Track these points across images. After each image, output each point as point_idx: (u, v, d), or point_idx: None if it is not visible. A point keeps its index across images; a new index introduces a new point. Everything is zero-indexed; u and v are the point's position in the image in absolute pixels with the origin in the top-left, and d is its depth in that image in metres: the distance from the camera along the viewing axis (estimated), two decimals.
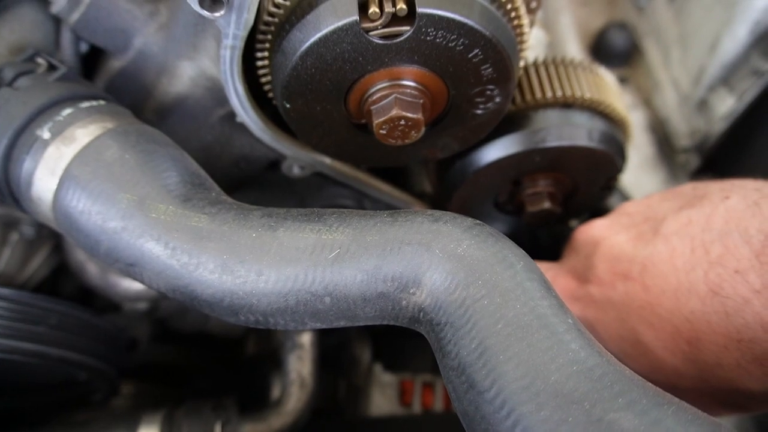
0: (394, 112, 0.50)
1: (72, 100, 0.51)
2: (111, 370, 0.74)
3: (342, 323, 0.47)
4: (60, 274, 0.85)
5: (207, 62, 0.56)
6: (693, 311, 0.51)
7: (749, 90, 0.89)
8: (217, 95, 0.60)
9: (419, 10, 0.44)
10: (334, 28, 0.45)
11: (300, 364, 0.78)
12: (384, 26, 0.46)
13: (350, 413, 1.03)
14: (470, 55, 0.49)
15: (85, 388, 0.76)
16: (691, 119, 1.00)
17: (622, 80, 1.13)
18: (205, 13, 0.45)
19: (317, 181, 0.76)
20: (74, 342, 0.67)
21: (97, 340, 0.71)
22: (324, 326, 0.47)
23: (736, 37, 0.88)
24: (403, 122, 0.51)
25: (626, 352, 0.57)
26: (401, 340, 1.13)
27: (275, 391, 0.96)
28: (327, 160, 0.65)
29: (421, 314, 0.44)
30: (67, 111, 0.49)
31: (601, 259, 0.59)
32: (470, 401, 0.38)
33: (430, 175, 0.76)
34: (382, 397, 1.05)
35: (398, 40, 0.47)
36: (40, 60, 0.54)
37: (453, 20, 0.45)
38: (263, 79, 0.56)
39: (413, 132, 0.53)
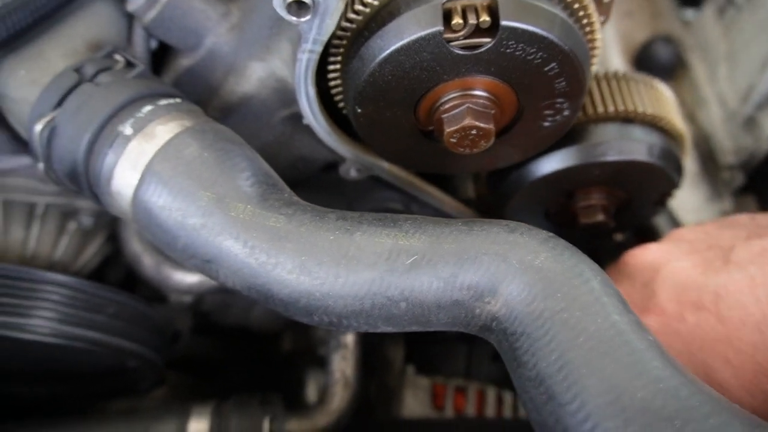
0: (467, 121, 0.51)
1: (151, 97, 0.52)
2: (160, 360, 0.75)
3: (414, 328, 0.48)
4: (106, 263, 0.86)
5: (278, 63, 0.57)
6: None
7: None
8: (283, 96, 0.60)
9: (503, 23, 0.45)
10: (417, 37, 0.46)
11: (344, 364, 0.79)
12: (465, 37, 0.46)
13: (381, 413, 1.04)
14: (546, 69, 0.49)
15: (133, 377, 0.77)
16: (738, 136, 0.99)
17: None
18: (291, 18, 0.45)
19: (367, 184, 0.76)
20: (130, 332, 0.69)
21: (149, 331, 0.72)
22: (395, 330, 0.48)
23: None
24: (474, 132, 0.52)
25: None
26: (434, 344, 1.14)
27: (310, 389, 0.97)
28: (386, 164, 0.66)
29: (494, 323, 0.45)
30: (147, 108, 0.51)
31: (663, 287, 0.56)
32: (550, 413, 0.39)
33: (480, 183, 0.77)
34: (414, 399, 1.05)
35: (478, 51, 0.47)
36: (117, 57, 0.55)
37: (535, 34, 0.46)
38: (332, 83, 0.57)
39: (483, 142, 0.53)
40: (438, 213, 0.76)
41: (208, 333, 1.00)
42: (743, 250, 0.52)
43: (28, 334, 0.62)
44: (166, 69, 0.64)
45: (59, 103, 0.51)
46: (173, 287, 0.75)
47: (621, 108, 0.63)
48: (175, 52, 0.63)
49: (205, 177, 0.47)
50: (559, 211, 0.74)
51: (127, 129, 0.49)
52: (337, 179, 0.70)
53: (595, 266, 0.45)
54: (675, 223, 0.90)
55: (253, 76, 0.59)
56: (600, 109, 0.63)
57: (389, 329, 0.48)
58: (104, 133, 0.49)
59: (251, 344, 1.07)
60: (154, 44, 0.63)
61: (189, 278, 0.75)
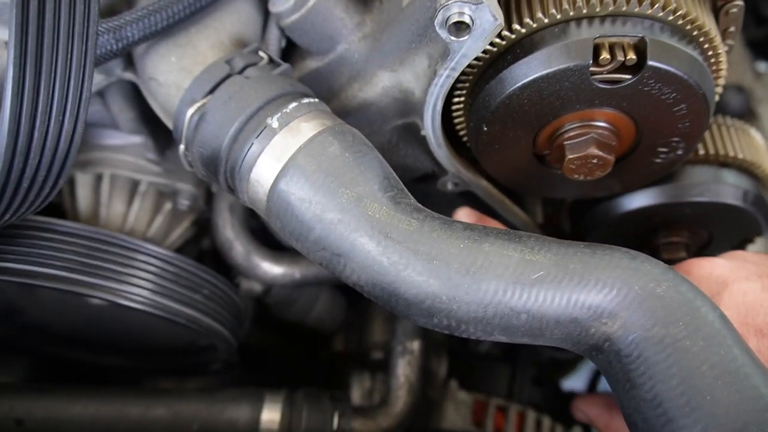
0: (591, 150, 0.54)
1: (295, 94, 0.55)
2: (235, 344, 0.78)
3: (525, 340, 0.50)
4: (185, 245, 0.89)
5: (409, 76, 0.60)
6: None
7: None
8: (402, 107, 0.64)
9: (650, 62, 0.48)
10: (565, 67, 0.49)
11: (409, 369, 0.81)
12: (609, 72, 0.49)
13: (422, 424, 1.05)
14: (675, 109, 0.52)
15: (208, 357, 0.80)
16: None
17: None
18: (450, 38, 0.48)
19: (452, 198, 0.79)
20: (219, 313, 0.71)
21: (232, 315, 0.75)
22: (508, 340, 0.50)
23: None
24: (595, 161, 0.54)
25: None
26: (476, 361, 1.15)
27: (354, 392, 1.00)
28: (484, 182, 0.68)
29: (607, 344, 0.47)
30: (292, 104, 0.54)
31: (729, 304, 0.55)
32: None
33: (563, 210, 0.79)
34: (456, 413, 1.07)
35: (618, 86, 0.50)
36: (262, 54, 0.58)
37: (676, 76, 0.49)
38: (456, 99, 0.60)
39: (599, 171, 0.56)
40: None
41: (263, 325, 1.02)
42: None
43: (129, 301, 0.65)
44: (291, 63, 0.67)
45: (211, 91, 0.54)
46: (259, 276, 0.78)
47: (720, 152, 0.66)
48: (302, 53, 0.66)
49: (346, 176, 0.50)
50: (639, 245, 0.76)
51: (274, 122, 0.52)
52: (425, 189, 0.73)
53: (712, 301, 0.47)
54: None
55: (379, 85, 0.62)
56: (701, 151, 0.66)
57: (502, 338, 0.50)
58: (252, 124, 0.53)
59: (300, 341, 1.10)
60: (283, 43, 0.67)
61: (275, 269, 0.77)
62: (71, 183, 0.77)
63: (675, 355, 0.43)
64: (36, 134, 0.43)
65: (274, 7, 0.61)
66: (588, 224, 0.73)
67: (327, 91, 0.66)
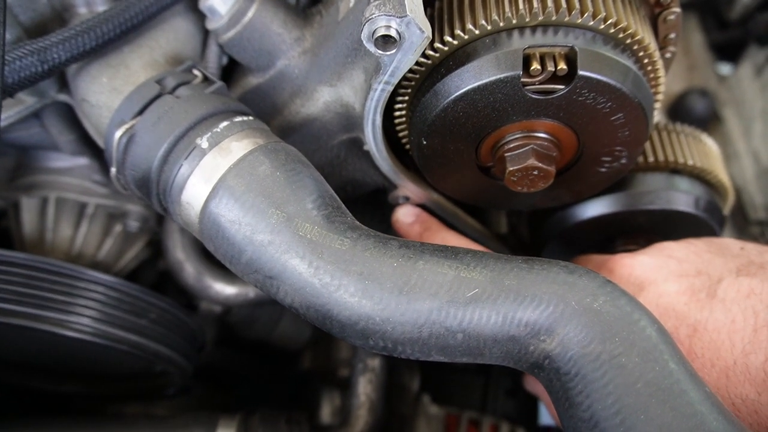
0: (530, 161, 0.53)
1: (227, 113, 0.54)
2: (190, 368, 0.76)
3: (465, 360, 0.49)
4: (139, 268, 0.88)
5: (348, 90, 0.59)
6: (744, 398, 0.47)
7: None
8: (345, 122, 0.62)
9: (580, 72, 0.47)
10: (496, 79, 0.48)
11: (370, 388, 0.80)
12: (541, 83, 0.48)
13: None
14: (613, 118, 0.51)
15: (161, 382, 0.78)
16: None
17: None
18: (377, 51, 0.47)
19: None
20: (168, 338, 0.69)
21: (185, 339, 0.73)
22: (446, 360, 0.49)
23: None
24: (536, 172, 0.53)
25: None
26: (449, 374, 1.14)
27: (324, 410, 0.98)
28: (434, 194, 0.67)
29: (546, 361, 0.46)
30: (223, 124, 0.52)
31: None
32: None
33: (516, 219, 0.78)
34: (428, 428, 1.05)
35: (551, 96, 0.49)
36: (196, 72, 0.57)
37: (609, 85, 0.48)
38: (397, 113, 0.59)
39: (542, 183, 0.55)
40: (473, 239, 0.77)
41: (228, 345, 1.00)
42: (731, 287, 0.51)
43: (71, 331, 0.63)
44: (233, 85, 0.66)
45: (140, 112, 0.53)
46: (211, 297, 0.76)
47: (670, 159, 0.65)
48: (244, 70, 0.65)
49: (276, 195, 0.49)
50: (598, 253, 0.75)
51: (204, 143, 0.51)
52: (380, 203, 0.72)
53: (651, 313, 0.46)
54: None
55: (320, 100, 0.61)
56: (650, 158, 0.65)
57: (441, 358, 0.49)
58: (181, 145, 0.51)
59: (268, 360, 1.08)
60: (224, 60, 0.65)
61: (227, 289, 0.76)
62: (16, 207, 0.75)
63: (611, 373, 0.42)
64: None
65: (210, 24, 0.60)
66: (546, 234, 0.72)
67: (271, 108, 0.65)
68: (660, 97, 0.56)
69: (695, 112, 1.15)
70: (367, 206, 0.78)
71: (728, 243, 0.59)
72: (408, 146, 0.62)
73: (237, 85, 0.65)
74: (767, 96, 1.04)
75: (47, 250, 0.73)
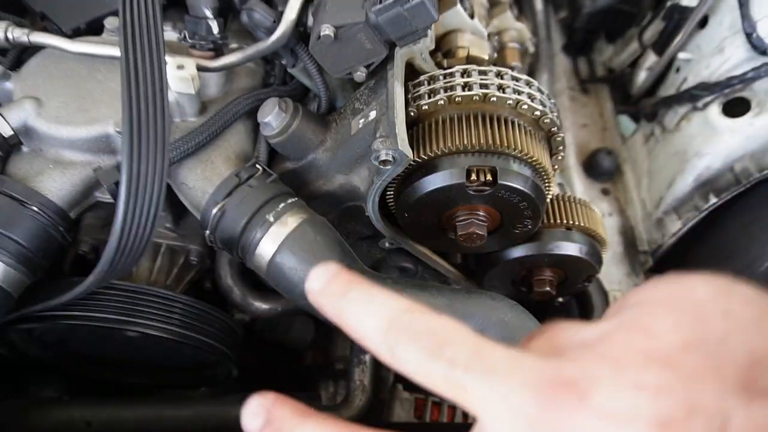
0: (471, 229, 0.85)
1: (282, 196, 0.85)
2: (235, 359, 1.06)
3: None
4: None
5: (356, 179, 0.90)
6: None
7: (691, 219, 1.27)
8: (352, 196, 0.94)
9: (499, 182, 0.80)
10: (450, 183, 0.80)
11: (363, 375, 1.11)
12: (477, 185, 0.81)
13: (375, 418, 1.35)
14: (521, 206, 0.84)
15: (214, 371, 1.07)
16: (651, 232, 1.37)
17: (605, 192, 1.51)
18: (381, 166, 0.79)
19: (393, 251, 1.10)
20: (224, 338, 0.99)
21: (233, 339, 1.03)
22: None
23: (686, 182, 1.27)
24: (475, 235, 0.86)
25: None
26: None
27: (323, 395, 1.28)
28: (410, 242, 0.99)
29: None
30: (281, 204, 0.83)
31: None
32: None
33: (470, 256, 1.11)
34: (401, 409, 1.36)
35: (483, 193, 0.82)
36: (258, 166, 0.88)
37: (516, 188, 0.81)
38: (388, 195, 0.91)
39: (479, 240, 0.87)
40: (439, 274, 1.10)
41: (250, 344, 1.30)
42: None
43: (162, 333, 0.92)
44: (274, 166, 0.97)
45: (227, 196, 0.83)
46: (251, 311, 1.06)
47: (566, 221, 0.99)
48: (282, 158, 0.96)
49: (317, 252, 0.80)
50: (521, 281, 1.08)
51: (270, 218, 0.82)
52: (368, 248, 1.04)
53: (537, 324, 0.79)
54: (603, 291, 1.27)
55: (336, 182, 0.93)
56: (552, 220, 0.99)
57: None
58: (256, 219, 0.82)
59: (278, 357, 1.38)
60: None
61: (263, 306, 1.06)
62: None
63: None
64: (135, 226, 0.70)
65: (265, 131, 0.90)
66: (485, 267, 1.06)
67: (301, 184, 0.96)
68: (553, 188, 0.90)
69: (603, 166, 1.51)
70: (363, 244, 1.10)
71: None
72: (395, 213, 0.95)
73: (277, 167, 0.96)
74: (651, 159, 1.41)
75: (133, 277, 1.02)
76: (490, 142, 0.80)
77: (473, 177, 0.80)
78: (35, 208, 0.78)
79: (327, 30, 0.78)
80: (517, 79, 0.85)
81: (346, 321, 0.42)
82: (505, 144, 0.81)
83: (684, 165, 1.26)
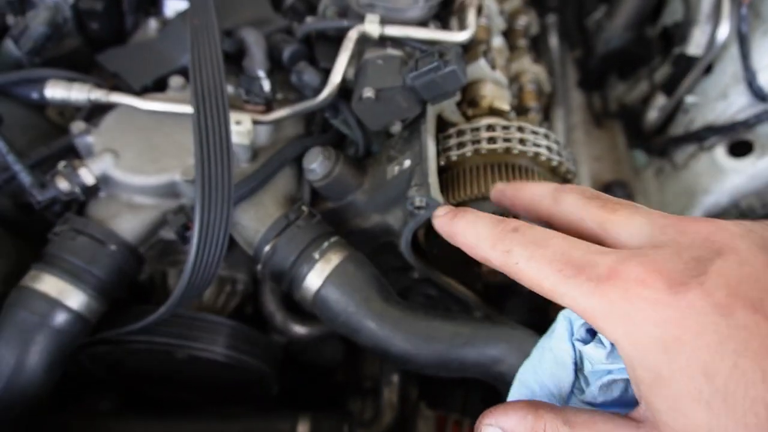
0: None
1: (326, 235, 0.96)
2: (276, 377, 1.16)
3: (456, 375, 0.90)
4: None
5: (391, 219, 1.01)
6: None
7: None
8: (387, 233, 1.04)
9: None
10: None
11: (391, 394, 1.21)
12: None
13: None
14: None
15: (257, 387, 1.18)
16: None
17: None
18: (414, 211, 0.89)
19: (417, 281, 1.20)
20: (267, 358, 1.10)
21: (274, 358, 1.13)
22: (446, 375, 0.90)
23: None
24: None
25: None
26: (439, 387, 1.55)
27: (354, 410, 1.38)
28: (437, 273, 1.10)
29: (500, 377, 0.88)
30: (325, 243, 0.94)
31: (720, 271, 0.44)
32: None
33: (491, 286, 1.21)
34: (424, 426, 1.46)
35: None
36: (304, 208, 0.99)
37: None
38: (420, 232, 1.01)
39: (501, 276, 0.97)
40: (460, 298, 1.19)
41: (287, 363, 1.40)
42: None
43: (213, 354, 1.03)
44: (316, 205, 1.08)
45: (278, 235, 0.94)
46: (291, 335, 1.16)
47: None
48: (324, 198, 1.07)
49: (358, 286, 0.91)
50: (539, 309, 1.18)
51: (316, 255, 0.92)
52: (399, 277, 1.14)
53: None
54: None
55: (373, 221, 1.03)
56: None
57: (444, 374, 0.91)
58: (303, 256, 0.93)
59: (311, 375, 1.48)
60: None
61: (302, 330, 1.16)
62: (163, 275, 1.15)
63: None
64: (204, 265, 0.81)
65: (309, 176, 1.01)
66: (507, 294, 1.15)
67: (340, 221, 1.06)
68: None
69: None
70: (393, 273, 1.20)
71: None
72: (424, 249, 1.05)
73: (319, 206, 1.07)
74: (662, 192, 1.50)
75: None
76: None
77: None
78: (113, 248, 0.89)
79: (369, 93, 0.89)
80: (536, 133, 0.96)
81: (462, 235, 0.68)
82: None
83: (693, 201, 1.35)
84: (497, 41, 1.44)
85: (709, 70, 1.36)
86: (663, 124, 1.55)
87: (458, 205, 0.93)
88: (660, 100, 1.51)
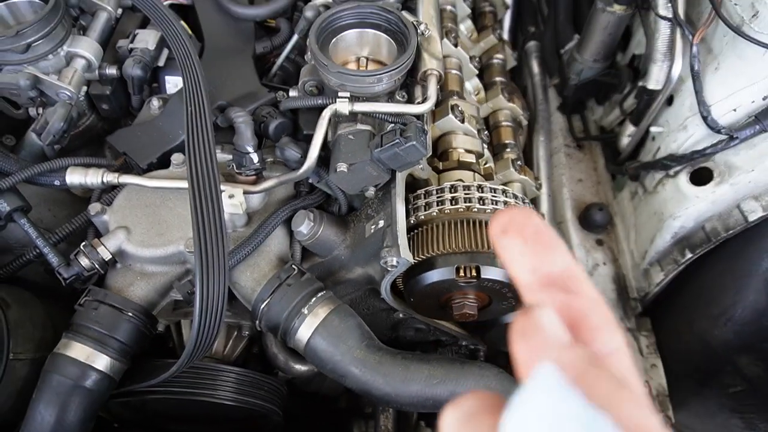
0: (464, 310, 1.07)
1: (315, 291, 1.08)
2: (282, 414, 1.29)
3: (430, 410, 1.02)
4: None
5: (371, 270, 1.13)
6: None
7: (672, 271, 1.45)
8: (369, 282, 1.17)
9: (483, 276, 1.01)
10: (444, 278, 1.02)
11: (387, 420, 1.33)
12: (466, 278, 1.03)
13: None
14: (503, 290, 1.05)
15: (262, 425, 1.31)
16: (639, 280, 1.55)
17: (600, 242, 1.70)
18: (388, 268, 1.02)
19: (404, 319, 1.32)
20: (274, 399, 1.23)
21: (279, 398, 1.27)
22: (423, 411, 1.02)
23: (664, 239, 1.45)
24: (468, 314, 1.08)
25: None
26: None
27: None
28: (418, 315, 1.22)
29: None
30: (314, 299, 1.07)
31: None
32: None
33: None
34: None
35: (471, 283, 1.03)
36: (294, 267, 1.12)
37: (498, 280, 1.02)
38: (399, 281, 1.13)
39: (471, 318, 1.09)
40: (443, 331, 1.31)
41: (293, 393, 1.54)
42: None
43: (220, 399, 1.17)
44: (305, 261, 1.20)
45: (271, 294, 1.07)
46: (293, 373, 1.30)
47: None
48: (312, 253, 1.20)
49: (343, 337, 1.03)
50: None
51: (305, 310, 1.05)
52: (387, 315, 1.27)
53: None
54: None
55: (356, 272, 1.16)
56: None
57: (421, 410, 1.03)
58: (294, 311, 1.06)
59: (316, 403, 1.62)
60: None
61: (303, 368, 1.30)
62: (178, 325, 1.29)
63: None
64: (207, 326, 0.95)
65: (298, 237, 1.15)
66: (486, 327, 1.27)
67: (327, 273, 1.19)
68: None
69: (596, 220, 1.70)
70: (382, 312, 1.33)
71: None
72: (404, 294, 1.17)
73: (308, 262, 1.20)
74: (637, 215, 1.59)
75: None
76: (473, 244, 1.02)
77: (461, 273, 1.02)
78: (130, 314, 1.03)
79: (342, 167, 1.02)
80: (494, 191, 1.07)
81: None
82: (486, 245, 1.02)
83: (662, 224, 1.45)
84: (472, 83, 1.56)
85: (670, 101, 1.45)
86: (633, 150, 1.64)
87: (427, 260, 1.05)
88: (630, 128, 1.60)
